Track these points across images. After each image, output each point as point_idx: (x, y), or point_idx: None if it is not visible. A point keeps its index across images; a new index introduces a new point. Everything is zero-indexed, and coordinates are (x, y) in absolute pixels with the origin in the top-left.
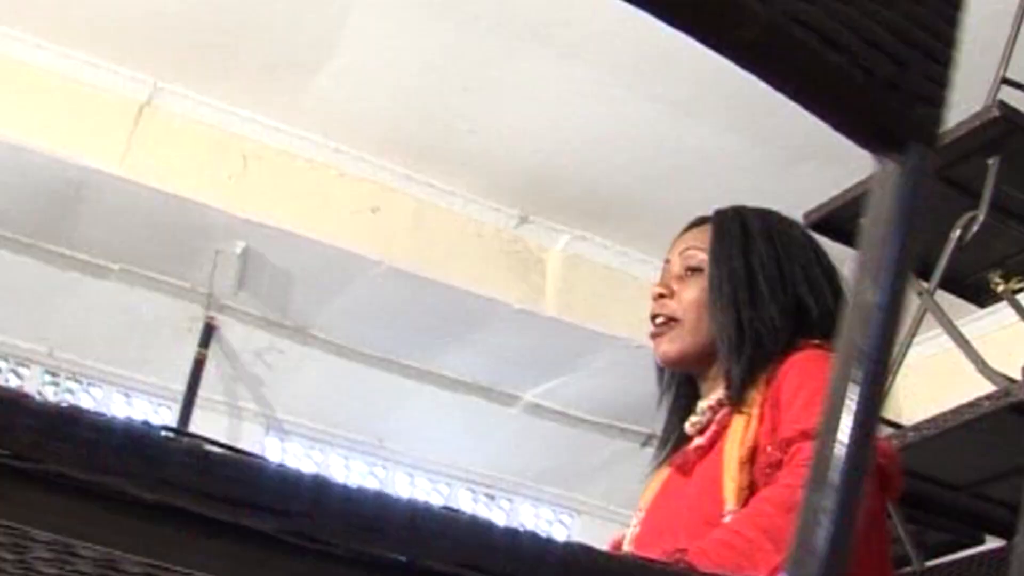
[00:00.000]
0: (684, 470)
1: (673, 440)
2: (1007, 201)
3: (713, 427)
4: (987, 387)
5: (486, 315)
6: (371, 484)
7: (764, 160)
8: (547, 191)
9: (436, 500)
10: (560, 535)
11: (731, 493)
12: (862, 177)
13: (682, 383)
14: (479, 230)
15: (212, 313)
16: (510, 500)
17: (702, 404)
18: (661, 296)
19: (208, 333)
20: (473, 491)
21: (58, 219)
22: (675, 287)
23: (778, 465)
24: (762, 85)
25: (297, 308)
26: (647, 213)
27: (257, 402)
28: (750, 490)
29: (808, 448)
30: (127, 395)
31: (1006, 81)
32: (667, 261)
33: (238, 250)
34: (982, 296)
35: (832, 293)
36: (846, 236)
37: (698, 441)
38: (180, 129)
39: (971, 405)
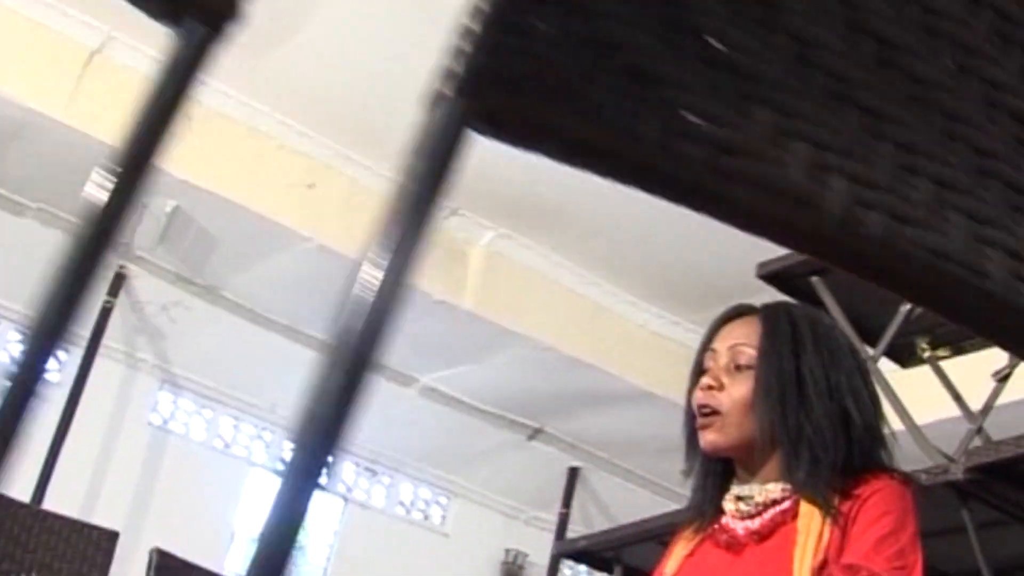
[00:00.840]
0: (732, 549)
1: (708, 515)
2: None
3: (766, 518)
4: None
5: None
6: (258, 448)
7: None
8: (481, 188)
9: None
10: (436, 515)
11: None
12: None
13: (718, 462)
14: None
15: (124, 262)
16: (391, 476)
17: (749, 490)
18: (711, 387)
19: (118, 283)
20: (356, 464)
21: None
22: (724, 380)
23: None
24: None
25: (213, 269)
26: (574, 222)
27: (156, 355)
28: None
29: None
30: (23, 334)
31: None
32: (712, 350)
33: (168, 208)
34: (905, 357)
35: (871, 402)
36: (797, 292)
37: (748, 525)
38: (128, 81)
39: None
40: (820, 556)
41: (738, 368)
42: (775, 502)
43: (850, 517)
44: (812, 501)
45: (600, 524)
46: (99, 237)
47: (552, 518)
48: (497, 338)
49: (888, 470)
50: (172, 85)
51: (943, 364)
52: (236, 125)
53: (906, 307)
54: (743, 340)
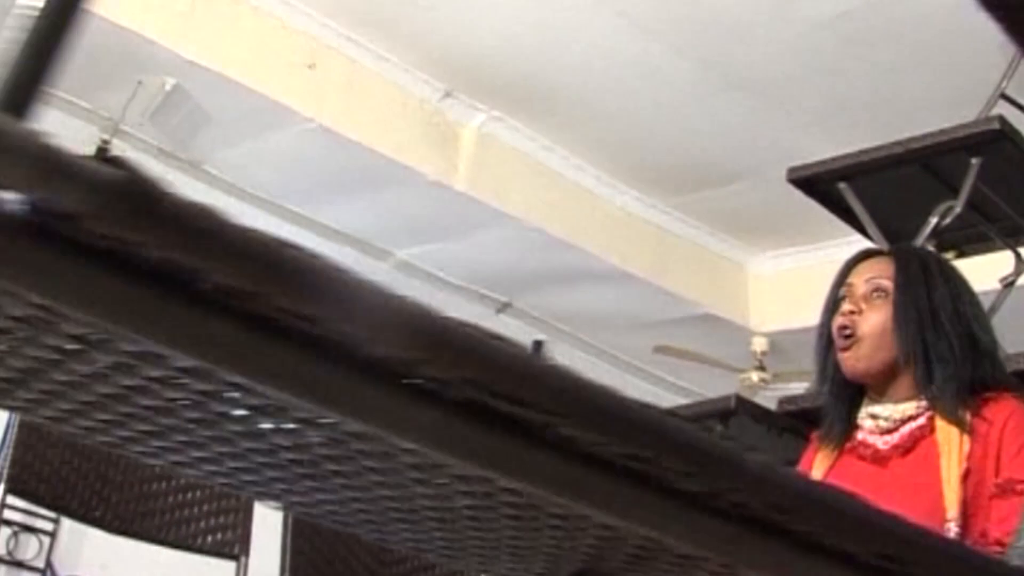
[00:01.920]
0: (877, 462)
1: (840, 430)
2: (980, 198)
3: (905, 433)
4: None
5: (393, 178)
6: None
7: (695, 83)
8: (475, 71)
9: None
10: None
11: (952, 503)
12: (779, 111)
13: (852, 386)
14: (405, 99)
15: (107, 136)
16: None
17: (884, 409)
18: (852, 312)
19: (98, 157)
20: None
21: None
22: (863, 306)
23: (999, 495)
24: (712, 13)
25: (201, 146)
26: (564, 107)
27: None
28: (965, 504)
29: None
30: None
31: (1004, 96)
32: (849, 284)
33: (168, 86)
34: None
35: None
36: (825, 197)
37: (888, 439)
38: None
39: None
40: (964, 466)
41: (875, 293)
42: (911, 418)
43: (989, 440)
44: (946, 417)
45: None
46: None
47: None
48: (481, 216)
49: (1007, 389)
50: None
51: None
52: (239, 4)
53: (934, 219)
54: (878, 273)
